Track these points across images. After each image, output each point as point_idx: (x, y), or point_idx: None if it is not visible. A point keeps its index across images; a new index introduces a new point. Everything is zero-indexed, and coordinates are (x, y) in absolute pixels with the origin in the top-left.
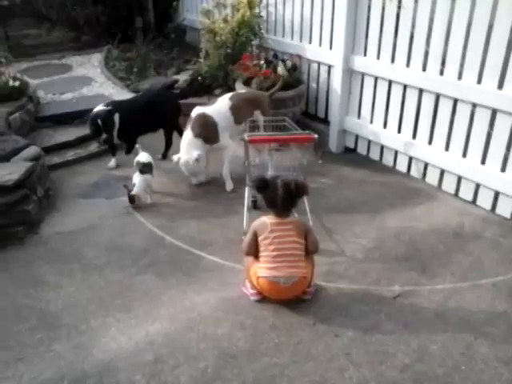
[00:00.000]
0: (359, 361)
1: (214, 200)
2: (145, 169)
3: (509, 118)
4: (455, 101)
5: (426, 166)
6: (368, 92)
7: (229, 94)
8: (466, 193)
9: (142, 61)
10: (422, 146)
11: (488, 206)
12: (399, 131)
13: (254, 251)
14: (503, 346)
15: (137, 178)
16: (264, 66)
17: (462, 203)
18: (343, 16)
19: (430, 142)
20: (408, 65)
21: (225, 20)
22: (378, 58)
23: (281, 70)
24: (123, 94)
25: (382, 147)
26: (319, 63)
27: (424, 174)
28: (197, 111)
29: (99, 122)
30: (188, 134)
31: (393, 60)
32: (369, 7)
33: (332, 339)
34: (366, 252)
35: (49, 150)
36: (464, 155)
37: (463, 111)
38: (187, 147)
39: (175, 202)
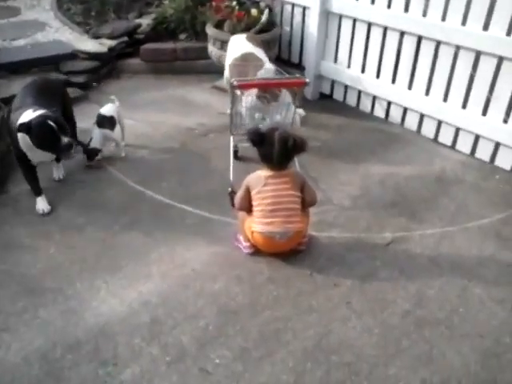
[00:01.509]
0: (361, 309)
1: (191, 151)
2: (103, 122)
3: (493, 59)
4: (438, 43)
5: (405, 110)
6: (346, 35)
7: (242, 40)
8: (446, 137)
9: (99, 3)
10: (402, 91)
11: (467, 151)
12: (378, 76)
13: (246, 206)
14: (496, 286)
15: (94, 131)
16: (236, 7)
17: (441, 148)
18: None
19: (409, 87)
20: (389, 6)
21: None
22: None
23: (255, 11)
24: (83, 41)
25: (360, 93)
26: (293, 4)
27: (403, 119)
28: (264, 67)
29: (52, 124)
30: (284, 94)
31: (373, 1)
32: None
33: (331, 289)
34: (353, 199)
35: (6, 101)
36: (445, 99)
37: (446, 54)
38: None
39: (151, 155)
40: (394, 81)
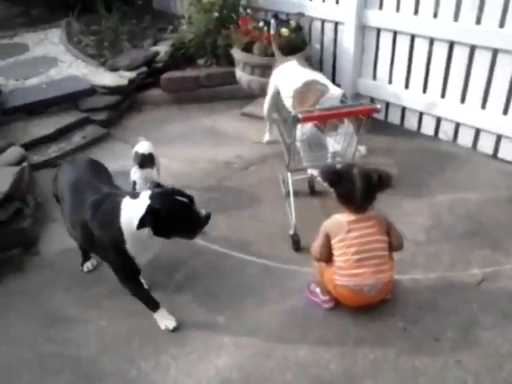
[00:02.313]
0: (474, 368)
1: (234, 188)
2: (144, 162)
3: None
4: (495, 51)
5: (457, 126)
6: (385, 49)
7: (297, 67)
8: (507, 153)
9: (112, 33)
10: (454, 105)
11: None
12: (424, 91)
13: (327, 256)
14: None
15: (136, 174)
16: (265, 28)
17: (503, 164)
18: None
19: (462, 101)
20: (435, 15)
21: None
22: (398, 10)
23: (286, 31)
24: (100, 74)
25: (404, 110)
26: (323, 21)
27: (455, 136)
28: (327, 94)
29: (181, 198)
30: (347, 125)
31: (416, 11)
32: None
33: (433, 345)
34: (427, 232)
35: (26, 146)
36: (505, 112)
37: (504, 63)
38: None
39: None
40: (443, 95)
